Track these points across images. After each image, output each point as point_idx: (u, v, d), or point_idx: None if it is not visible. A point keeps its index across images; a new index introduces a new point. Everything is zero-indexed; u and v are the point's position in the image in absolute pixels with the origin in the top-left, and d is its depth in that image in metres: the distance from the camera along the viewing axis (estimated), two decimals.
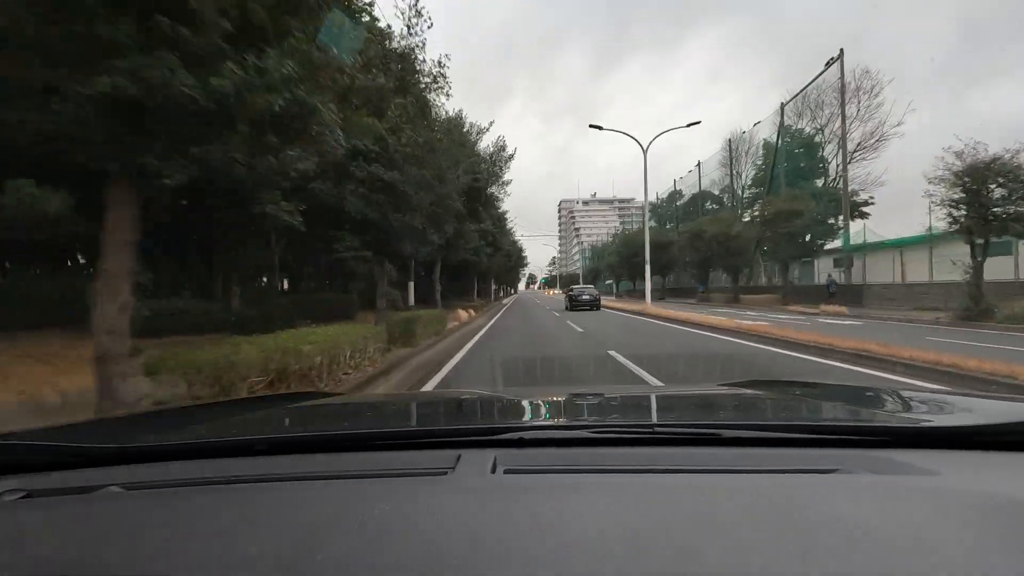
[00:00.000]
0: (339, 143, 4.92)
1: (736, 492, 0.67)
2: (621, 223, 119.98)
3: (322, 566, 0.50)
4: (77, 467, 0.86)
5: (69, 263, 14.83)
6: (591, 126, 21.28)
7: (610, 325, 15.09)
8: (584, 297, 23.39)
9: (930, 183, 13.63)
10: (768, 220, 23.87)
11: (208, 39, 3.14)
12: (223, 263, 13.22)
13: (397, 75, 10.30)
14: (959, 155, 13.13)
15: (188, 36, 3.07)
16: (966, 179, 12.86)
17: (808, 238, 24.82)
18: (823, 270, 27.27)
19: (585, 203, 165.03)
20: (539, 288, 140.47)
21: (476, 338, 12.10)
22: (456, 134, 13.73)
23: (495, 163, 16.44)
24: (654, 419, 1.21)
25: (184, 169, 3.79)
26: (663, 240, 43.10)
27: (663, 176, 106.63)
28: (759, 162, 40.39)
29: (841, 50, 25.98)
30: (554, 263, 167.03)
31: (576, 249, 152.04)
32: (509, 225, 32.00)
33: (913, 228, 22.01)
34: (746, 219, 35.29)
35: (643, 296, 44.49)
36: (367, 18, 7.56)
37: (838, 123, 29.43)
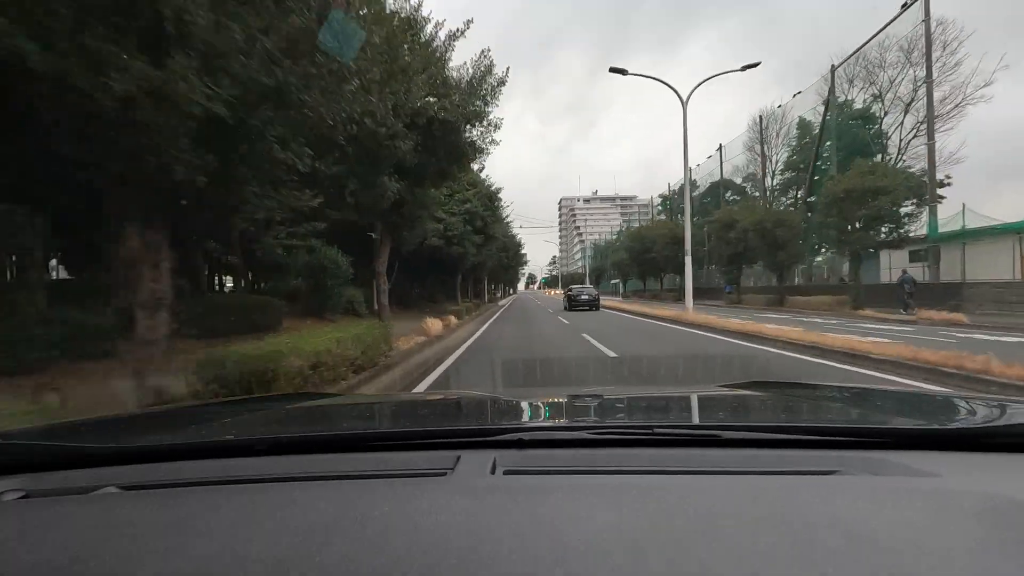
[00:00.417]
0: None
1: (736, 494, 0.67)
2: (624, 221, 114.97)
3: (322, 566, 0.50)
4: (76, 467, 0.85)
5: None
6: (612, 69, 15.95)
7: (658, 344, 9.74)
8: (583, 297, 23.20)
9: None
10: (834, 202, 18.54)
11: None
12: None
13: None
14: None
15: None
16: None
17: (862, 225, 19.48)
18: (891, 265, 21.87)
19: (586, 201, 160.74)
20: (539, 288, 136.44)
21: (439, 371, 7.06)
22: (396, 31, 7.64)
23: (477, 89, 9.43)
24: (654, 420, 1.17)
25: None
26: (679, 234, 37.81)
27: (663, 177, 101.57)
28: (793, 143, 35.10)
29: None
30: (554, 262, 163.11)
31: (577, 248, 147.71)
32: (505, 212, 26.70)
33: (1004, 213, 16.70)
34: (781, 206, 30.27)
35: (657, 298, 39.18)
36: None
37: (903, 87, 24.23)
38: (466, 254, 18.99)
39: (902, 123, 25.02)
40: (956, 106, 22.70)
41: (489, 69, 9.73)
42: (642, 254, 42.10)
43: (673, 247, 37.29)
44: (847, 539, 0.54)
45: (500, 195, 19.62)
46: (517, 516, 0.60)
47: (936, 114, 21.27)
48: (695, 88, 16.37)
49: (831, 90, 26.96)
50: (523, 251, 53.31)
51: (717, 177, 45.73)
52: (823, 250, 27.87)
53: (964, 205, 19.35)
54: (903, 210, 17.86)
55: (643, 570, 0.49)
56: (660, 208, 60.31)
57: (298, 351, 4.83)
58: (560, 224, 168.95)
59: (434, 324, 12.24)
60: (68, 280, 13.45)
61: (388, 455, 0.88)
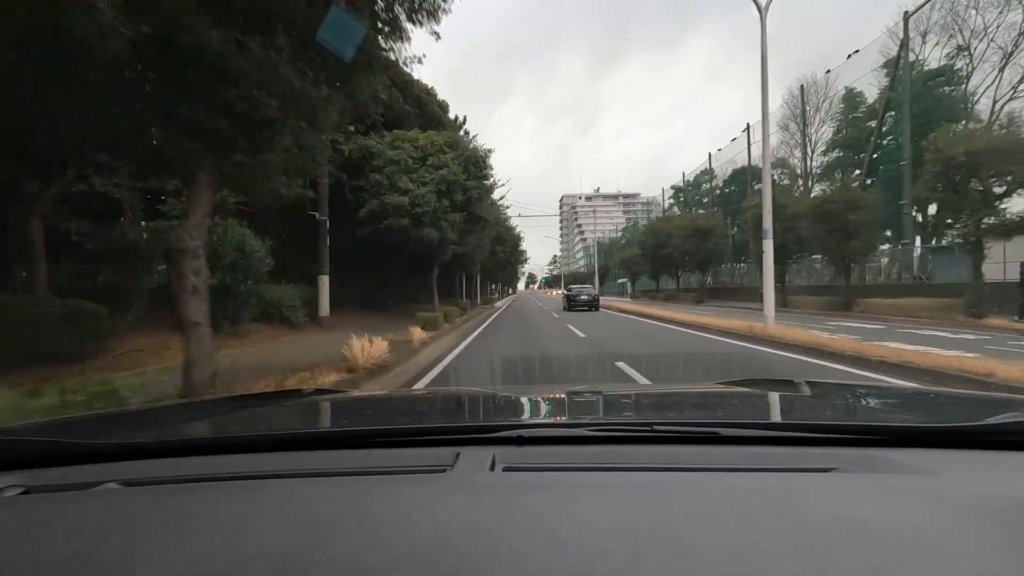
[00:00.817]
0: None
1: (734, 491, 0.67)
2: (628, 219, 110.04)
3: (322, 563, 0.50)
4: (77, 463, 0.85)
5: None
6: None
7: None
8: (582, 297, 23.31)
9: None
10: (948, 169, 13.45)
11: None
12: None
13: None
14: None
15: None
16: None
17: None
18: (1006, 258, 16.70)
19: (588, 198, 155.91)
20: (539, 288, 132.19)
21: None
22: None
23: None
24: (653, 418, 1.17)
25: None
26: (701, 226, 32.72)
27: (661, 178, 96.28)
28: (838, 118, 29.99)
29: None
30: (555, 261, 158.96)
31: (579, 246, 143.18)
32: (498, 188, 21.49)
33: None
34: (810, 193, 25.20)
35: (672, 299, 33.90)
36: None
37: (1000, 36, 19.15)
38: (444, 240, 13.85)
39: (996, 81, 19.98)
40: None
41: None
42: (657, 250, 36.97)
43: (694, 240, 32.15)
44: (845, 536, 0.54)
45: (490, 162, 14.45)
46: (517, 513, 0.60)
47: None
48: None
49: (903, 43, 21.76)
50: (522, 247, 47.90)
51: (740, 165, 40.60)
52: (899, 241, 22.56)
53: None
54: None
55: (642, 567, 0.49)
56: (672, 201, 55.18)
57: None
58: (561, 222, 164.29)
59: (373, 348, 7.12)
60: None
61: (388, 452, 0.87)
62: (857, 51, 25.47)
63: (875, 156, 23.92)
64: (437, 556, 0.50)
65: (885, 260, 24.05)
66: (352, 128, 14.14)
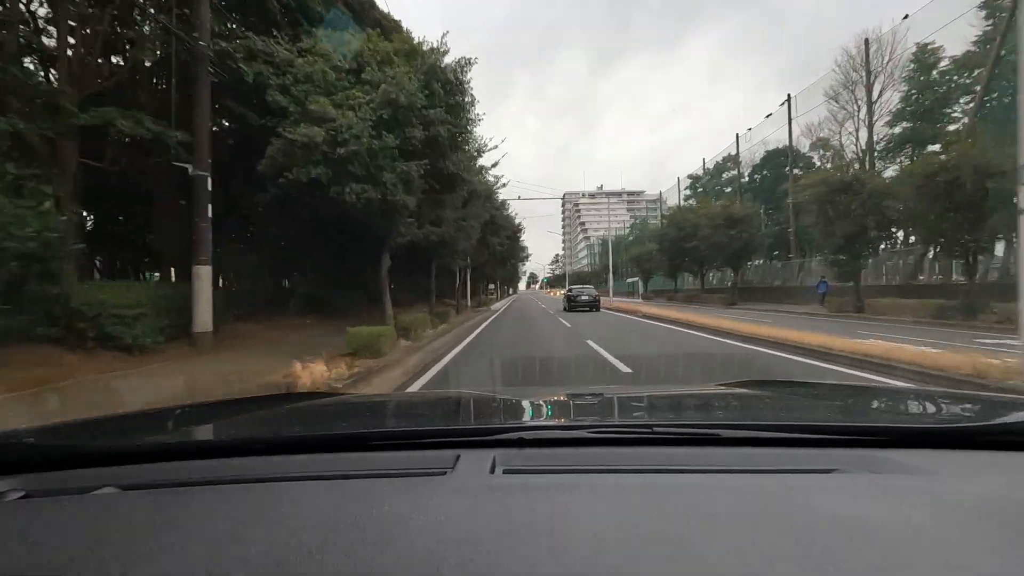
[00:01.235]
0: None
1: (734, 492, 0.67)
2: (632, 217, 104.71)
3: (321, 566, 0.50)
4: (76, 467, 0.85)
5: None
6: None
7: None
8: (583, 298, 22.90)
9: None
10: None
11: None
12: None
13: None
14: None
15: None
16: None
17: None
18: None
19: (591, 196, 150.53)
20: (540, 288, 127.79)
21: None
22: None
23: None
24: (653, 419, 1.16)
25: None
26: (735, 214, 27.40)
27: (661, 179, 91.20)
28: (904, 82, 24.63)
29: None
30: (557, 260, 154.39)
31: (582, 245, 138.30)
32: (488, 171, 16.10)
33: None
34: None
35: (695, 299, 29.25)
36: None
37: None
38: (392, 206, 8.46)
39: None
40: None
41: None
42: (680, 243, 31.61)
43: (726, 232, 26.84)
44: (846, 537, 0.54)
45: (470, 84, 8.99)
46: (517, 515, 0.60)
47: None
48: None
49: None
50: (523, 242, 42.09)
51: (774, 146, 35.29)
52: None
53: None
54: None
55: (643, 568, 0.49)
56: (688, 192, 49.79)
57: None
58: (563, 220, 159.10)
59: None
60: None
61: (388, 454, 0.87)
62: None
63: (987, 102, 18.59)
64: (438, 558, 0.50)
65: None
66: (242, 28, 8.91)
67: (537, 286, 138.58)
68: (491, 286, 57.54)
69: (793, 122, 30.03)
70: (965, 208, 13.03)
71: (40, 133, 7.43)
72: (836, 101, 27.58)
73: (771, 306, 23.94)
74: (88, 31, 8.63)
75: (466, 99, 9.16)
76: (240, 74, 8.76)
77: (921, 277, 20.27)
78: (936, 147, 18.60)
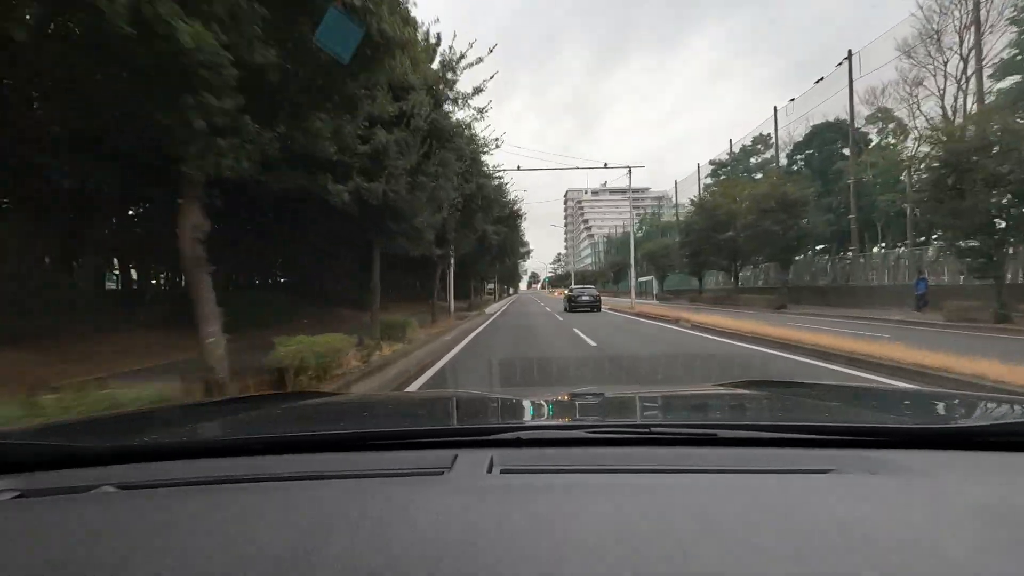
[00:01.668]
0: None
1: (732, 492, 0.67)
2: (638, 215, 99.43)
3: (319, 566, 0.50)
4: (73, 466, 0.84)
5: None
6: None
7: None
8: (584, 298, 22.62)
9: None
10: None
11: None
12: None
13: None
14: None
15: None
16: None
17: None
18: None
19: (595, 193, 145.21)
20: (542, 287, 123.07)
21: None
22: None
23: None
24: (651, 419, 1.17)
25: None
26: (790, 195, 22.00)
27: (661, 180, 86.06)
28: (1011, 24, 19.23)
29: None
30: (559, 259, 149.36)
31: (586, 243, 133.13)
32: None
33: None
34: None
35: (722, 302, 23.70)
36: None
37: None
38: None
39: None
40: None
41: None
42: (711, 233, 26.22)
43: (777, 217, 21.46)
44: (843, 537, 0.54)
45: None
46: (514, 515, 0.60)
47: None
48: None
49: None
50: (524, 237, 36.54)
51: (819, 120, 29.90)
52: None
53: None
54: None
55: (640, 568, 0.49)
56: (710, 180, 44.38)
57: None
58: (566, 219, 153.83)
59: None
60: None
61: (385, 454, 0.87)
62: None
63: None
64: (436, 558, 0.50)
65: None
66: None
67: (539, 285, 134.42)
68: (489, 286, 51.91)
69: (858, 81, 24.52)
70: None
71: None
72: (911, 56, 22.19)
73: (838, 311, 18.57)
74: None
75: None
76: None
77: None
78: None
